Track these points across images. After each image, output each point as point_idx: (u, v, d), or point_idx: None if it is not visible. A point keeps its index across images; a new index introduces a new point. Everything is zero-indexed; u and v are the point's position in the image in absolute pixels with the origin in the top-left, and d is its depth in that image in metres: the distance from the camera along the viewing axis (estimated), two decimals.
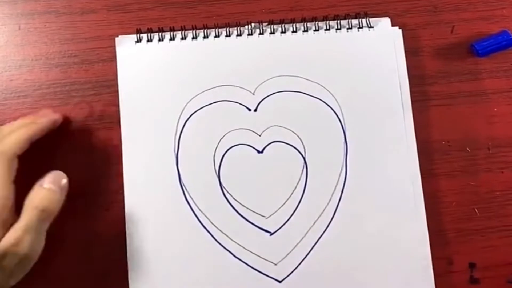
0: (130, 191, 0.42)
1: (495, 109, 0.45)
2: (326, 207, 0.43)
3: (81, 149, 0.44)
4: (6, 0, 0.45)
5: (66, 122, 0.44)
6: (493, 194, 0.44)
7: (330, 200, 0.43)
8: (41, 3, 0.45)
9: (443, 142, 0.45)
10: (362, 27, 0.45)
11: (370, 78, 0.44)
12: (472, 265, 0.44)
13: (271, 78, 0.44)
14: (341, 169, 0.43)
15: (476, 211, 0.44)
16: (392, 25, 0.45)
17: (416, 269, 0.42)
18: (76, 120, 0.43)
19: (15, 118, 0.43)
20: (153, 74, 0.44)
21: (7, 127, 0.40)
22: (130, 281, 0.41)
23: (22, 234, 0.37)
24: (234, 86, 0.44)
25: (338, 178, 0.43)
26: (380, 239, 0.42)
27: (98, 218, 0.43)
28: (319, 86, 0.44)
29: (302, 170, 0.43)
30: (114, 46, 0.44)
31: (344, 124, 0.44)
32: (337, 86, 0.44)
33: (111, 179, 0.43)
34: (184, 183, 0.43)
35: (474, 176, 0.45)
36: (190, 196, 0.42)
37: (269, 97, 0.44)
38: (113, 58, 0.44)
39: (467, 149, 0.45)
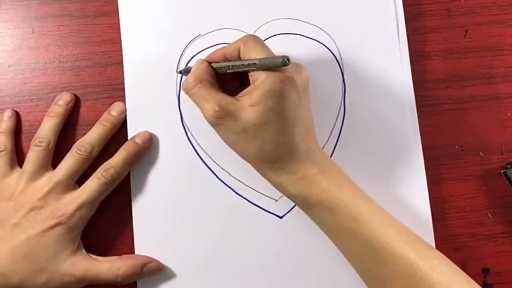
0: (133, 133, 0.43)
1: (509, 114, 0.45)
2: (324, 145, 0.44)
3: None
4: (20, 4, 0.45)
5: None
6: (506, 199, 0.44)
7: (328, 138, 0.44)
8: (54, 6, 0.45)
9: (456, 147, 0.45)
10: None
11: (368, 19, 0.45)
12: (485, 271, 0.43)
13: (270, 21, 0.45)
14: (339, 108, 0.44)
15: (489, 216, 0.44)
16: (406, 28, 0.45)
17: (418, 212, 0.43)
18: (89, 123, 0.43)
19: (28, 121, 0.44)
20: (154, 16, 0.45)
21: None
22: (134, 219, 0.42)
23: (90, 278, 0.40)
24: (233, 29, 0.45)
25: (337, 117, 0.44)
26: (379, 171, 0.44)
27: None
28: (318, 28, 0.45)
29: None
30: None
31: (342, 66, 0.45)
32: (335, 28, 0.45)
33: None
34: (186, 123, 0.44)
35: (487, 181, 0.44)
36: (192, 135, 0.43)
37: (268, 39, 0.45)
38: None
39: (480, 153, 0.45)
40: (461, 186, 0.44)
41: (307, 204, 0.38)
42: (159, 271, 0.41)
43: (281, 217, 0.43)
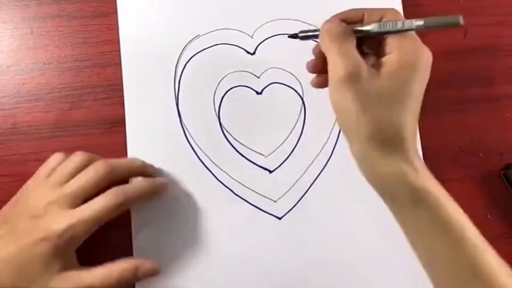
0: (132, 133, 0.43)
1: (508, 115, 0.45)
2: (324, 145, 0.44)
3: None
4: (19, 4, 0.45)
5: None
6: (506, 200, 0.44)
7: (328, 138, 0.44)
8: (53, 7, 0.45)
9: (456, 148, 0.45)
10: None
11: None
12: None
13: (270, 21, 0.45)
14: None
15: (489, 217, 0.44)
16: None
17: None
18: (89, 124, 0.43)
19: (27, 121, 0.44)
20: (152, 17, 0.45)
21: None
22: (132, 221, 0.42)
23: None
24: (233, 29, 0.45)
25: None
26: None
27: None
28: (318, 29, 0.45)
29: (300, 110, 0.44)
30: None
31: None
32: None
33: None
34: (185, 123, 0.44)
35: (487, 182, 0.44)
36: (191, 136, 0.43)
37: (268, 40, 0.45)
38: None
39: (480, 154, 0.45)
40: (460, 187, 0.44)
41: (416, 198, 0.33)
42: (155, 272, 0.39)
43: (280, 218, 0.43)
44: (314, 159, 0.43)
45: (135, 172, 0.41)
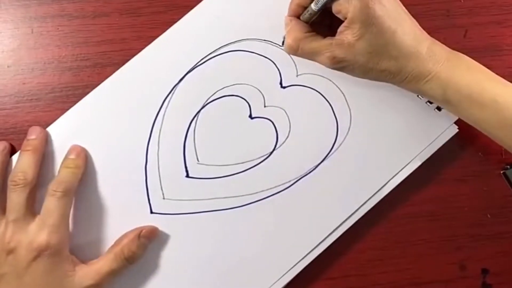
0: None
1: None
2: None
3: None
4: (19, 4, 0.45)
5: None
6: (506, 199, 0.44)
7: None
8: (54, 6, 0.45)
9: (456, 147, 0.45)
10: None
11: None
12: (485, 271, 0.43)
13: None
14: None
15: (489, 216, 0.44)
16: None
17: None
18: None
19: (28, 121, 0.44)
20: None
21: None
22: None
23: (106, 277, 0.39)
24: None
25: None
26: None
27: None
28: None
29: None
30: (126, 50, 0.45)
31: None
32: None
33: None
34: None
35: (487, 181, 0.44)
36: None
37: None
38: (125, 62, 0.44)
39: (480, 154, 0.45)
40: (460, 186, 0.44)
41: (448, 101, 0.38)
42: (155, 233, 0.41)
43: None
44: None
45: (36, 161, 0.41)
